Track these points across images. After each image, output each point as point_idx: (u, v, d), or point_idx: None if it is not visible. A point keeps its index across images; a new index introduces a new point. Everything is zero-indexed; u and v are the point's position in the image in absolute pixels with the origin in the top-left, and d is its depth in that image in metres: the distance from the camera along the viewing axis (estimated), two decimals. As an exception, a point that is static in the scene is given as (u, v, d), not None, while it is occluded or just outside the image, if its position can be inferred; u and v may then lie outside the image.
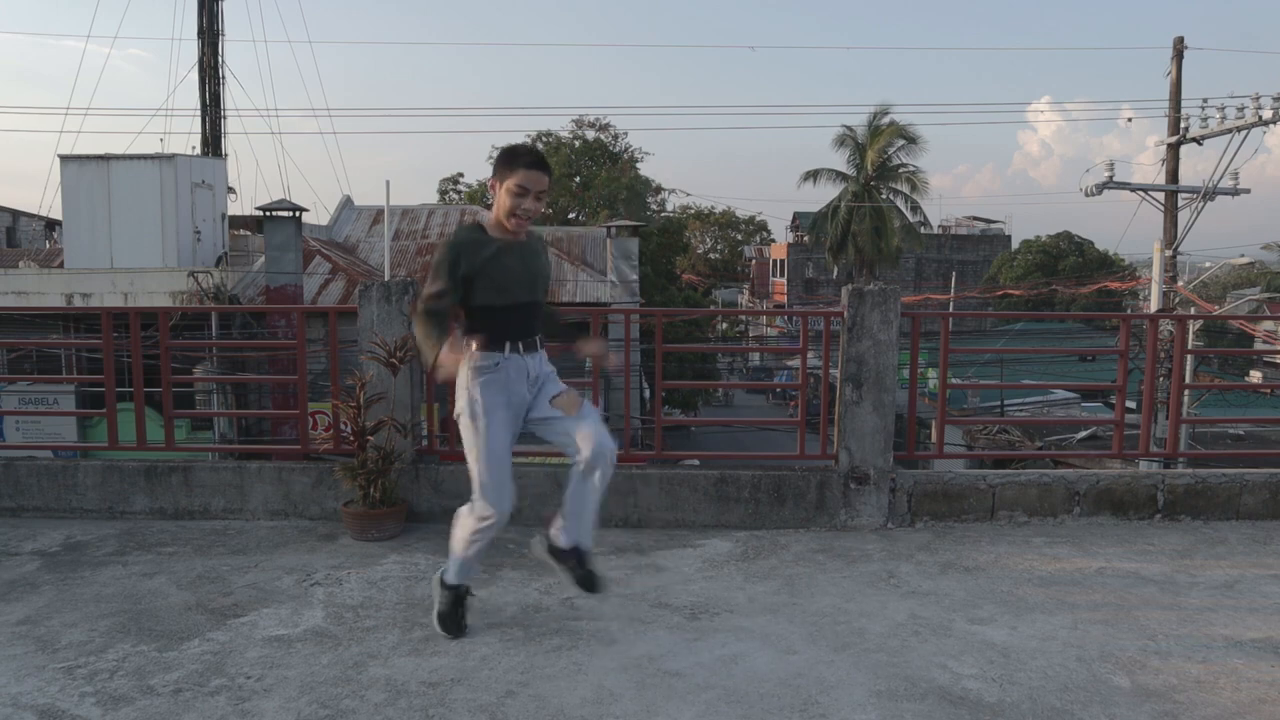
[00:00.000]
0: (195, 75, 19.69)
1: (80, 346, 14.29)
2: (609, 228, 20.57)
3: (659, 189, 41.89)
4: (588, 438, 3.20)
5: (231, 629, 3.46)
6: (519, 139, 44.52)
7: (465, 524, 3.38)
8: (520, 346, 3.23)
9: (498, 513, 3.30)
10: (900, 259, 40.35)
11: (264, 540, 4.54)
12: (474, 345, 3.19)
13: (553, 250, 19.70)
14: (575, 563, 3.36)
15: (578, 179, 40.38)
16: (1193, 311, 18.03)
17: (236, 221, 20.21)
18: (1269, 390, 23.76)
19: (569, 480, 3.33)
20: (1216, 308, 22.42)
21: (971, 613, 3.65)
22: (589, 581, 3.35)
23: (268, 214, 15.55)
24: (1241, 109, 16.73)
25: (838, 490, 4.81)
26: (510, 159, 3.13)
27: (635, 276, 19.22)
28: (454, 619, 3.39)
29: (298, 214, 15.56)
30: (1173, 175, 17.65)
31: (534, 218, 3.19)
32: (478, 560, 3.46)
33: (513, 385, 3.23)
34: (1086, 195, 17.62)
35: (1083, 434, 18.98)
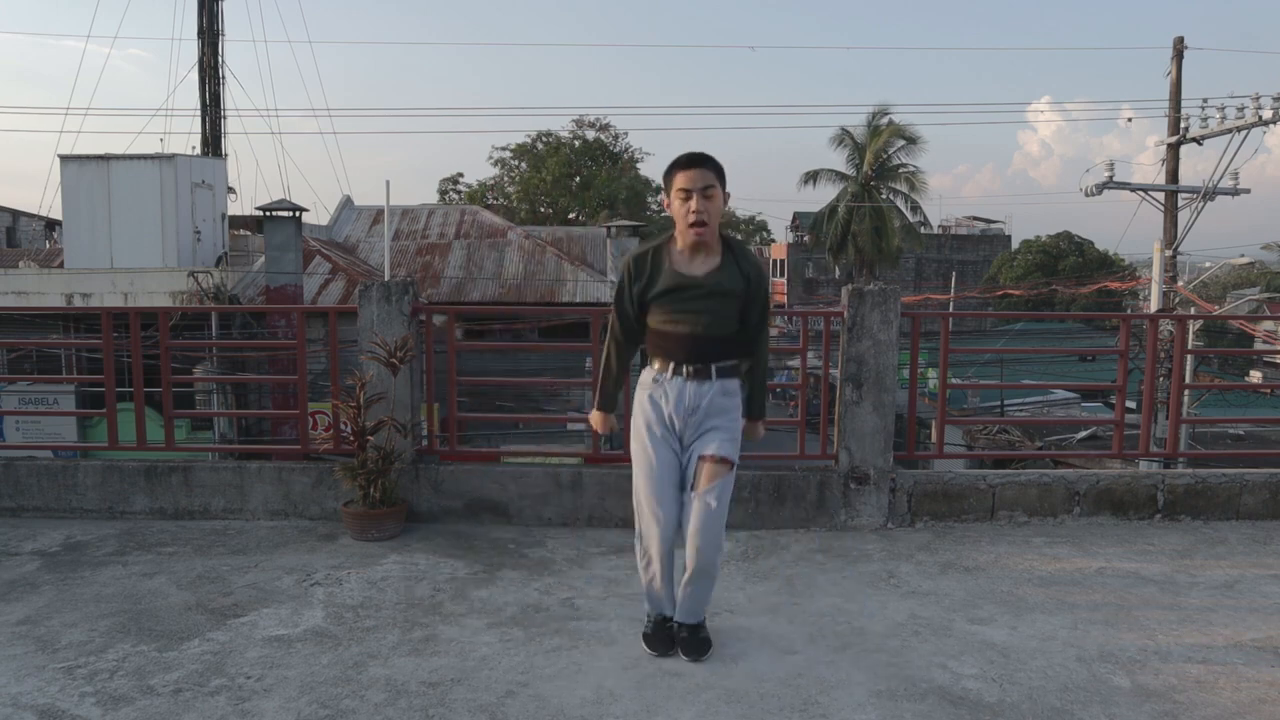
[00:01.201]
0: (195, 75, 19.72)
1: (80, 346, 14.29)
2: (609, 228, 20.58)
3: (659, 189, 41.90)
4: (695, 532, 3.03)
5: (231, 629, 3.46)
6: (519, 139, 44.56)
7: (638, 552, 3.22)
8: (686, 370, 3.07)
9: (652, 540, 3.11)
10: (900, 259, 40.34)
11: (264, 540, 4.54)
12: (652, 362, 3.16)
13: (552, 250, 19.72)
14: (685, 630, 3.21)
15: (578, 179, 40.38)
16: (1193, 311, 18.03)
17: (236, 221, 20.21)
18: (1269, 390, 23.75)
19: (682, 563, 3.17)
20: (1216, 308, 22.42)
21: (971, 613, 3.65)
22: (693, 646, 3.18)
23: (268, 214, 15.55)
24: (1241, 109, 16.74)
25: (838, 490, 4.81)
26: (668, 170, 3.03)
27: (635, 276, 19.17)
28: (654, 639, 3.25)
29: (298, 214, 15.56)
30: (1173, 175, 17.66)
31: (713, 219, 2.98)
32: (659, 592, 3.22)
33: (666, 408, 3.09)
34: (1086, 195, 17.63)
35: (1083, 434, 18.98)
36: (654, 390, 3.12)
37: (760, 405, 3.29)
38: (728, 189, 3.06)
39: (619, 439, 4.26)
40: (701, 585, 3.14)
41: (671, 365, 3.09)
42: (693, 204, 2.94)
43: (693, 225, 2.97)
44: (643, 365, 3.25)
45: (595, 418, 3.41)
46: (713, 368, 3.09)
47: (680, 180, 2.98)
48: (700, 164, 2.98)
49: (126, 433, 5.07)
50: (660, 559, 3.15)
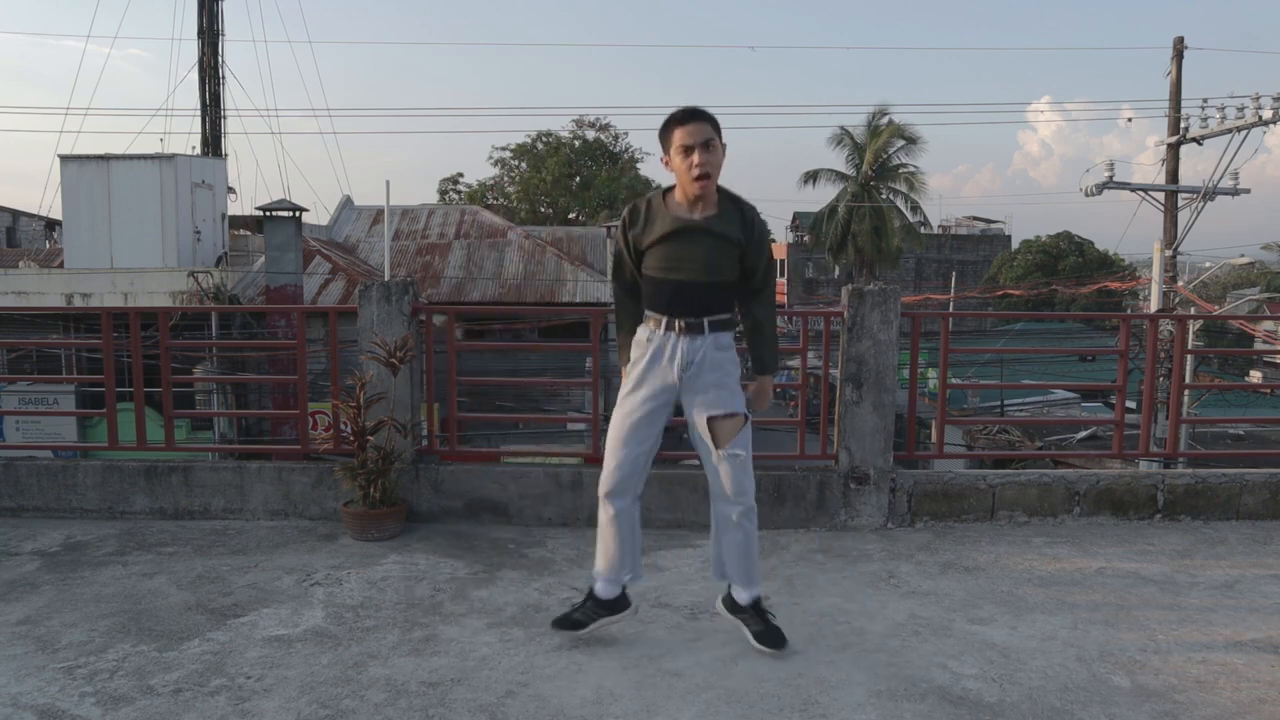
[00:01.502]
0: (195, 75, 19.73)
1: (80, 346, 14.29)
2: (609, 228, 20.59)
3: (659, 188, 41.84)
4: (726, 484, 3.10)
5: (231, 629, 3.46)
6: (519, 139, 44.54)
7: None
8: (679, 325, 3.07)
9: (604, 489, 3.17)
10: (900, 259, 40.35)
11: (264, 540, 4.54)
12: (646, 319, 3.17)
13: (552, 250, 19.72)
14: (751, 616, 3.24)
15: (578, 179, 40.37)
16: (1193, 311, 18.03)
17: (236, 221, 20.22)
18: (1269, 390, 23.76)
19: (713, 527, 3.22)
20: (1216, 308, 22.42)
21: (971, 613, 3.65)
22: (770, 637, 3.20)
23: (268, 214, 15.56)
24: (1241, 109, 16.74)
25: (838, 490, 4.81)
26: (664, 126, 3.03)
27: (635, 276, 19.18)
28: (566, 619, 3.31)
29: (298, 214, 15.56)
30: (1173, 175, 17.66)
31: (715, 170, 2.99)
32: (620, 551, 3.22)
33: (658, 369, 3.10)
34: (1086, 195, 17.64)
35: (1083, 434, 18.99)
36: (646, 349, 3.14)
37: (770, 359, 3.26)
38: (724, 140, 3.08)
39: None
40: (754, 533, 3.18)
41: (664, 321, 3.10)
42: (695, 158, 2.96)
43: (697, 179, 2.98)
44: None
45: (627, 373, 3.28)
46: (705, 321, 3.08)
47: (680, 136, 2.99)
48: (698, 118, 3.00)
49: (126, 433, 5.07)
50: (612, 515, 3.18)
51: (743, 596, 3.26)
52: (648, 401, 3.14)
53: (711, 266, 3.05)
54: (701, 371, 3.09)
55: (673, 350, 3.09)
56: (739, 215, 3.10)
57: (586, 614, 3.30)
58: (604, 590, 3.28)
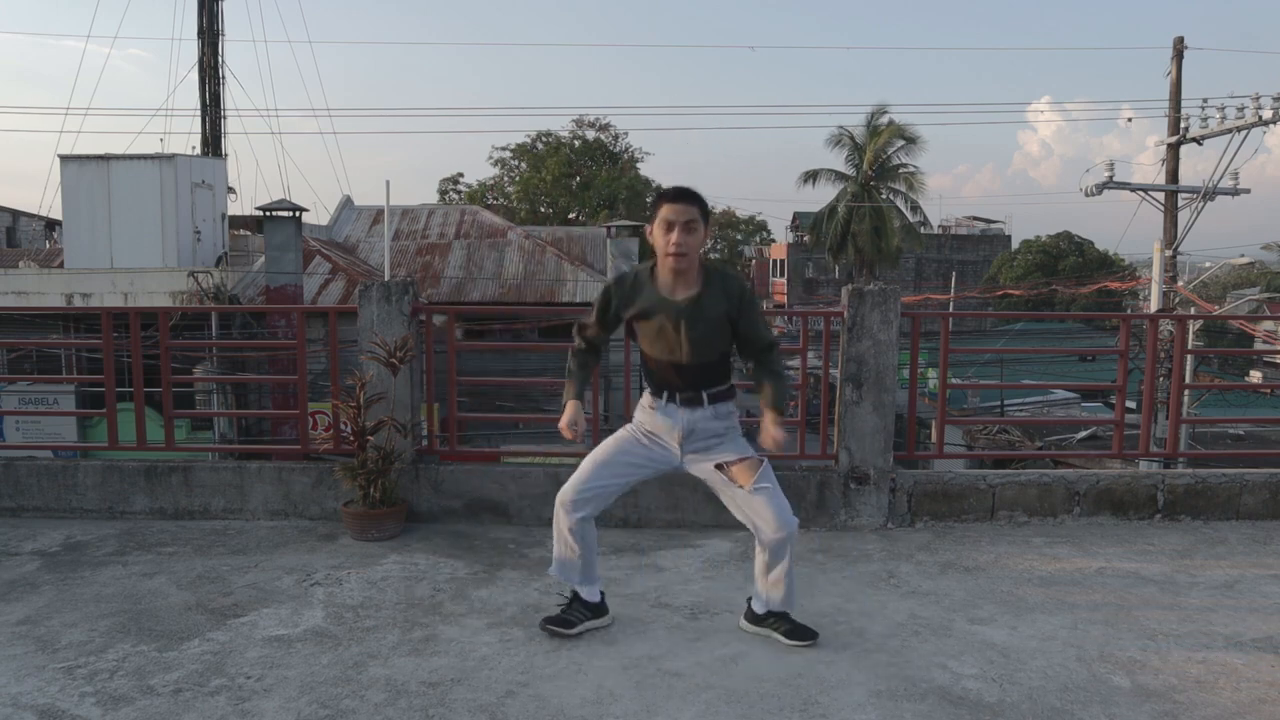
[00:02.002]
0: (195, 75, 19.74)
1: (80, 346, 14.29)
2: (609, 228, 20.58)
3: (659, 189, 41.88)
4: (766, 518, 3.14)
5: (231, 629, 3.46)
6: (519, 139, 44.56)
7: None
8: (676, 397, 3.19)
9: (567, 499, 3.24)
10: (900, 259, 40.34)
11: (264, 540, 4.54)
12: (646, 388, 3.28)
13: (552, 250, 19.72)
14: (777, 618, 3.35)
15: (578, 179, 40.38)
16: (1193, 311, 18.03)
17: (236, 221, 20.22)
18: (1269, 390, 23.76)
19: (756, 548, 3.27)
20: (1216, 308, 22.42)
21: (971, 613, 3.65)
22: (800, 632, 3.32)
23: (268, 214, 15.56)
24: (1241, 109, 16.73)
25: (838, 490, 4.81)
26: (654, 201, 3.14)
27: (635, 276, 19.18)
28: (559, 619, 3.38)
29: (298, 214, 15.56)
30: (1173, 175, 17.66)
31: (692, 250, 3.06)
32: (589, 558, 3.34)
33: (663, 434, 3.24)
34: (1086, 195, 17.63)
35: (1083, 434, 18.99)
36: (648, 414, 3.26)
37: (778, 396, 3.24)
38: (710, 225, 3.17)
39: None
40: (792, 561, 3.23)
41: (665, 393, 3.21)
42: (674, 236, 3.03)
43: (671, 255, 3.05)
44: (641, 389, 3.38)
45: (567, 412, 3.28)
46: (703, 394, 3.19)
47: (665, 212, 3.06)
48: (685, 199, 3.07)
49: (126, 433, 5.08)
50: (557, 522, 3.26)
51: (785, 610, 3.34)
52: (642, 452, 3.28)
53: (699, 349, 3.13)
54: (704, 437, 3.22)
55: (673, 421, 3.20)
56: (723, 288, 3.15)
57: (575, 615, 3.37)
58: (588, 594, 3.38)
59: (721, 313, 3.12)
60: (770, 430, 3.20)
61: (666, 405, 3.20)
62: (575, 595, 3.39)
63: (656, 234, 3.08)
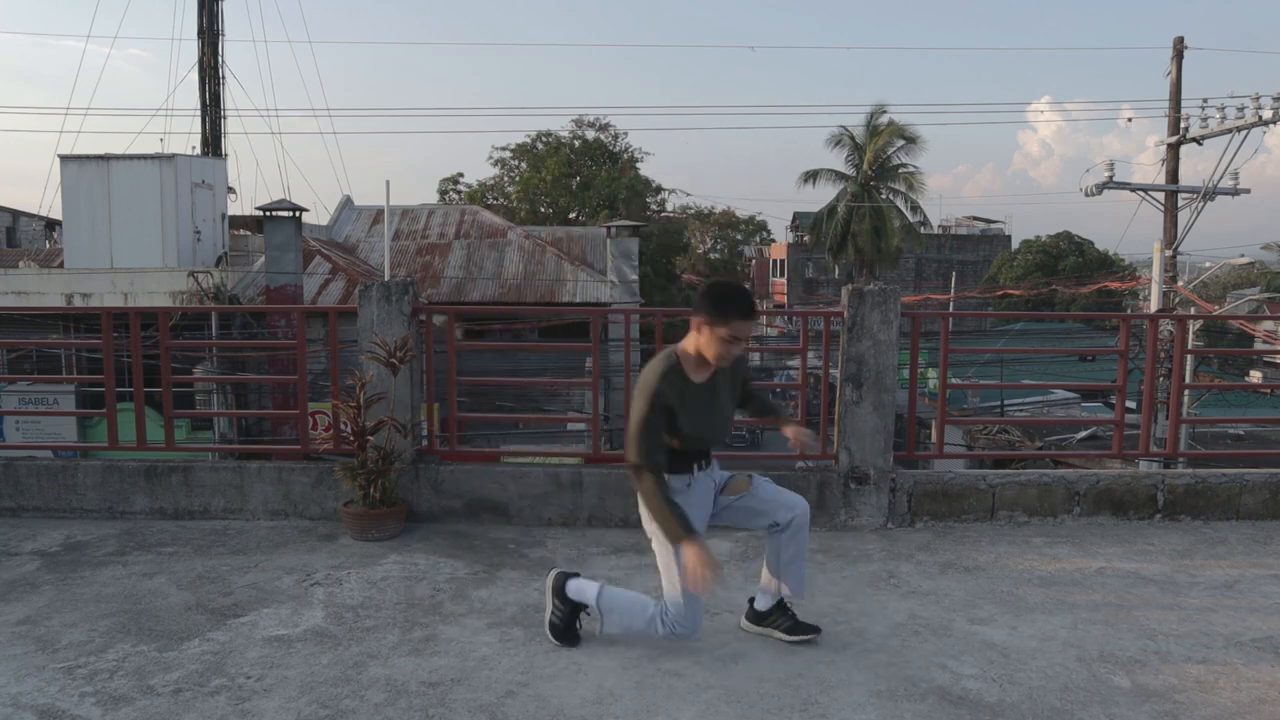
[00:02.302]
0: (195, 75, 19.71)
1: (80, 346, 14.29)
2: (609, 228, 20.57)
3: (659, 189, 41.90)
4: (783, 500, 3.29)
5: (231, 629, 3.46)
6: (519, 139, 44.55)
7: (641, 621, 3.17)
8: (703, 464, 3.28)
9: (689, 635, 3.15)
10: (900, 259, 40.32)
11: (264, 540, 4.54)
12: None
13: (552, 250, 19.72)
14: (779, 615, 3.39)
15: (578, 179, 40.38)
16: (1193, 311, 18.03)
17: (236, 221, 20.21)
18: (1269, 390, 23.75)
19: (770, 544, 3.34)
20: (1216, 308, 22.42)
21: (971, 613, 3.65)
22: (804, 626, 3.37)
23: (268, 214, 15.55)
24: (1241, 109, 16.72)
25: (838, 490, 4.81)
26: (723, 309, 3.03)
27: (635, 276, 19.23)
28: (568, 631, 3.34)
29: (298, 214, 15.56)
30: (1173, 175, 17.65)
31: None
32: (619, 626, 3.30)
33: (703, 499, 3.28)
34: (1086, 195, 17.61)
35: (1083, 434, 18.98)
36: (688, 494, 3.18)
37: (782, 411, 3.73)
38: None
39: (618, 439, 4.28)
40: (804, 539, 3.34)
41: (695, 467, 3.24)
42: (736, 349, 3.10)
43: (724, 361, 3.13)
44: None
45: (693, 554, 2.92)
46: (711, 453, 3.35)
47: (738, 328, 3.04)
48: (755, 315, 3.14)
49: (126, 433, 5.07)
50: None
51: (776, 599, 3.39)
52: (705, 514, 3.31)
53: (730, 420, 3.34)
54: (718, 482, 3.37)
55: (706, 487, 3.30)
56: (730, 365, 3.23)
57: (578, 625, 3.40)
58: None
59: (739, 375, 3.33)
60: (797, 431, 3.56)
61: (698, 475, 3.24)
62: (582, 608, 3.33)
63: (713, 340, 3.04)
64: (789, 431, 3.56)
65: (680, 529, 2.95)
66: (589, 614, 3.30)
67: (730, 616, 3.57)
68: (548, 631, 3.34)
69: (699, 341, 3.09)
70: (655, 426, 3.02)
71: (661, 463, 3.06)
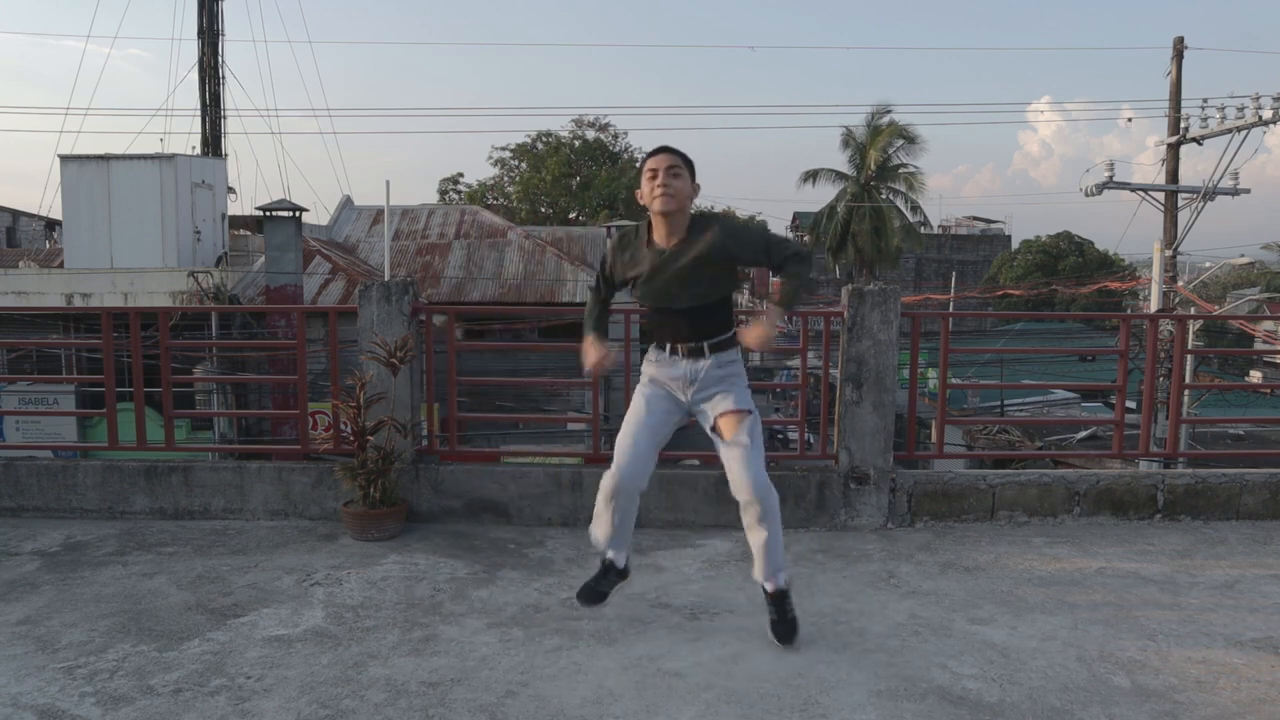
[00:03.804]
0: (195, 75, 19.75)
1: (80, 346, 14.29)
2: (609, 228, 20.58)
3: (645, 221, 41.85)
4: (737, 476, 3.17)
5: (231, 629, 3.46)
6: (519, 139, 44.56)
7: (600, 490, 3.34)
8: (680, 350, 3.24)
9: (616, 469, 3.25)
10: (900, 259, 40.33)
11: (264, 540, 4.54)
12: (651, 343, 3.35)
13: (552, 250, 19.71)
14: (771, 606, 3.32)
15: (578, 179, 40.39)
16: (1193, 311, 18.03)
17: (236, 221, 20.23)
18: (1269, 390, 23.75)
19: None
20: (1216, 308, 22.42)
21: (971, 613, 3.65)
22: (781, 630, 3.28)
23: (268, 214, 15.56)
24: (1241, 109, 16.74)
25: (838, 490, 4.81)
26: (639, 165, 3.26)
27: (635, 276, 19.17)
28: (592, 590, 3.48)
29: (298, 214, 15.57)
30: (1173, 175, 17.66)
31: (679, 193, 3.12)
32: (618, 528, 3.39)
33: (670, 377, 3.28)
34: (1086, 195, 17.63)
35: (1083, 434, 18.99)
36: (653, 367, 3.33)
37: (786, 293, 3.23)
38: (697, 181, 3.23)
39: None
40: (770, 530, 3.20)
41: (667, 346, 3.27)
42: (659, 178, 3.12)
43: (658, 196, 3.11)
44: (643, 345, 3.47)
45: (587, 343, 3.45)
46: (705, 345, 3.22)
47: (649, 164, 3.17)
48: (666, 151, 3.17)
49: (126, 433, 5.07)
50: (613, 494, 3.29)
51: (766, 586, 3.34)
52: (662, 405, 3.32)
53: (694, 291, 3.18)
54: (707, 386, 3.26)
55: (677, 373, 3.26)
56: (708, 229, 3.19)
57: (608, 584, 3.50)
58: (622, 560, 3.50)
59: (708, 248, 3.14)
60: (756, 326, 3.17)
61: (670, 358, 3.25)
62: (610, 565, 3.48)
63: (644, 188, 3.17)
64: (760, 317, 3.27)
65: (586, 327, 3.43)
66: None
67: (730, 616, 3.57)
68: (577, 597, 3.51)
69: (646, 201, 3.19)
70: (600, 273, 3.41)
71: (600, 298, 3.44)
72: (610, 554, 3.47)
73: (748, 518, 3.21)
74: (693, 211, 3.23)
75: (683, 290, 3.18)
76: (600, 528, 3.42)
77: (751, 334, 3.18)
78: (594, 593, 3.49)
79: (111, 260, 16.31)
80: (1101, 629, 3.48)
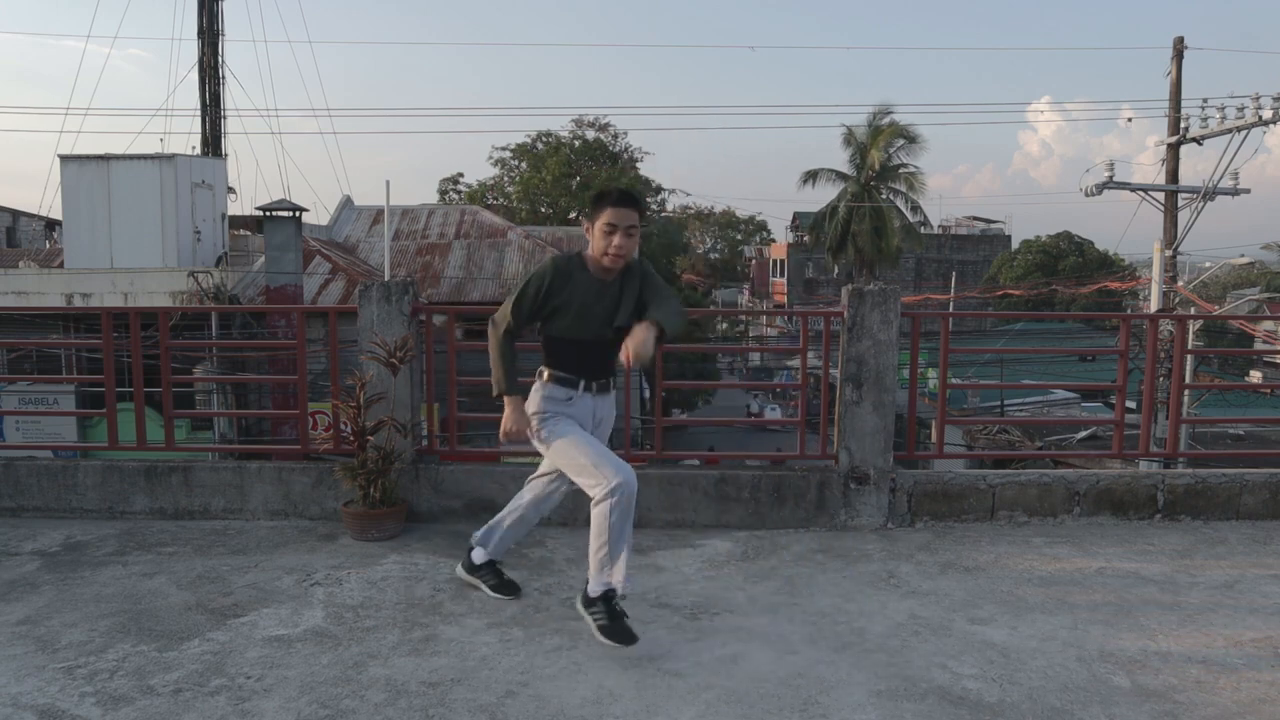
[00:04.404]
0: (195, 75, 19.72)
1: (80, 346, 14.28)
2: (609, 228, 20.52)
3: (659, 189, 41.92)
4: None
5: (231, 629, 3.46)
6: (519, 139, 44.60)
7: (601, 510, 3.19)
8: (592, 386, 3.37)
9: (623, 478, 3.16)
10: (900, 259, 40.32)
11: (264, 540, 4.54)
12: (547, 374, 3.34)
13: (551, 250, 19.71)
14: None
15: (578, 179, 40.40)
16: (1193, 311, 18.03)
17: (236, 221, 20.21)
18: (1269, 390, 23.75)
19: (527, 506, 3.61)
20: (1216, 308, 22.41)
21: (971, 613, 3.65)
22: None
23: (268, 214, 15.54)
24: (1241, 109, 16.72)
25: (838, 490, 4.81)
26: (598, 199, 3.25)
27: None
28: (627, 629, 3.23)
29: (298, 214, 15.55)
30: (1173, 175, 17.65)
31: (628, 253, 3.21)
32: (625, 553, 3.23)
33: (581, 417, 3.37)
34: (1086, 195, 17.62)
35: (1083, 434, 18.98)
36: (563, 405, 3.35)
37: (663, 319, 3.15)
38: (642, 226, 3.36)
39: (618, 438, 4.28)
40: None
41: (581, 383, 3.34)
42: (615, 239, 3.18)
43: (610, 257, 3.19)
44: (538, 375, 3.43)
45: (511, 407, 3.33)
46: (609, 381, 3.41)
47: (609, 216, 3.18)
48: (630, 204, 3.22)
49: (126, 433, 5.07)
50: (630, 503, 3.19)
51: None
52: (583, 431, 3.37)
53: (609, 319, 3.28)
54: (599, 425, 3.46)
55: (585, 410, 3.38)
56: (631, 275, 3.30)
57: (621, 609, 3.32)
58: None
59: (636, 291, 3.29)
60: (634, 335, 3.07)
61: (582, 395, 3.35)
62: (614, 593, 3.26)
63: (596, 235, 3.20)
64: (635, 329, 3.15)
65: (503, 381, 3.33)
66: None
67: (730, 617, 3.57)
68: (603, 637, 3.23)
69: (592, 244, 3.23)
70: (525, 301, 3.27)
71: (513, 331, 3.33)
72: (626, 586, 3.26)
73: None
74: None
75: (607, 318, 3.27)
76: (622, 562, 3.20)
77: (631, 342, 3.07)
78: (629, 630, 3.22)
79: (111, 260, 16.30)
80: (1101, 629, 3.48)
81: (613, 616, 3.22)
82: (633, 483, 3.18)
